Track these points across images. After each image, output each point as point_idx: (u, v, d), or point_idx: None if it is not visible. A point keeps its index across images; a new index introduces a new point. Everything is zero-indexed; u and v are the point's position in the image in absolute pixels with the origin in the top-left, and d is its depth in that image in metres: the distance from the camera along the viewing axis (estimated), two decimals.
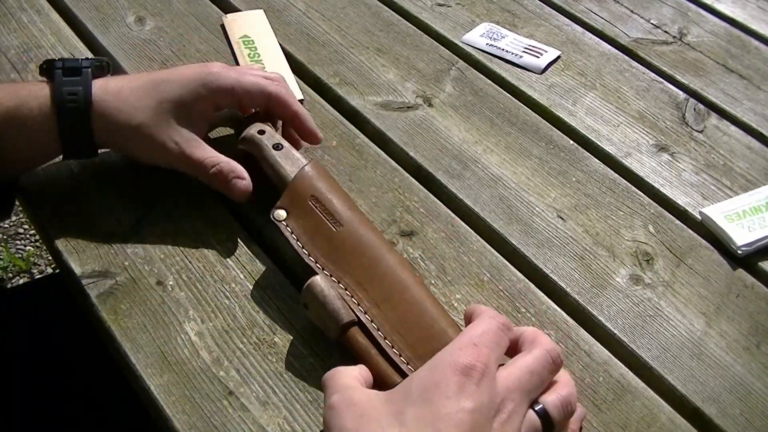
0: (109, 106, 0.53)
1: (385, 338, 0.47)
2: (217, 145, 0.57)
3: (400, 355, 0.47)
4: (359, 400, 0.40)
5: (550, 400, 0.41)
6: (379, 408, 0.39)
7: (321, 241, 0.51)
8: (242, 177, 0.55)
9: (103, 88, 0.53)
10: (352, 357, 0.48)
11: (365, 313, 0.48)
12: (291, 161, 0.56)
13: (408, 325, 0.48)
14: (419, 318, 0.48)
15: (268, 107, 0.58)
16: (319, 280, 0.49)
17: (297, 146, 0.59)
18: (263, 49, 0.72)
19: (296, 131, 0.59)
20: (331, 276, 0.50)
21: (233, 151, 0.57)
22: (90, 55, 0.69)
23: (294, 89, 0.69)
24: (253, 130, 0.57)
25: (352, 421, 0.39)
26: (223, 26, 0.75)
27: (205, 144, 0.56)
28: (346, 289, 0.49)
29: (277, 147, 0.56)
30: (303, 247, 0.51)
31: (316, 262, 0.51)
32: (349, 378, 0.43)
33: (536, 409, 0.40)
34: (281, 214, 0.53)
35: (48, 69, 0.53)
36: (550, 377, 0.42)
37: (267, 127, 0.57)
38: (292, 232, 0.52)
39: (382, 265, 0.50)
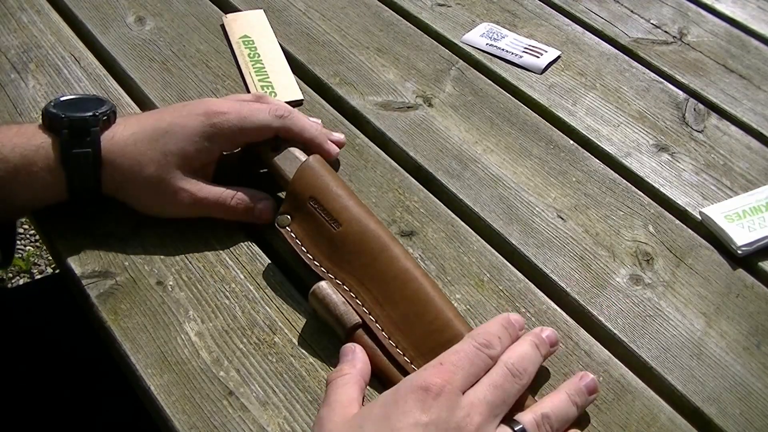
0: (117, 161, 0.52)
1: (388, 338, 0.48)
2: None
3: (404, 355, 0.47)
4: (330, 419, 0.41)
5: (527, 419, 0.42)
6: (342, 427, 0.41)
7: (323, 244, 0.52)
8: (264, 198, 0.56)
9: (110, 142, 0.52)
10: None
11: (369, 313, 0.49)
12: (289, 161, 0.55)
13: (410, 322, 0.48)
14: (421, 313, 0.48)
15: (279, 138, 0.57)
16: (324, 287, 0.49)
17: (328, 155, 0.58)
18: (263, 49, 0.72)
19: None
20: (335, 278, 0.50)
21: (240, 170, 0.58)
22: (90, 56, 0.69)
23: (294, 89, 0.69)
24: None
25: None
26: (223, 26, 0.75)
27: (213, 184, 0.55)
28: (350, 291, 0.50)
29: (276, 148, 0.56)
30: (307, 252, 0.52)
31: (320, 266, 0.51)
32: (343, 394, 0.43)
33: (516, 429, 0.41)
34: (284, 220, 0.53)
35: (52, 128, 0.52)
36: (515, 387, 0.43)
37: None
38: (296, 237, 0.52)
39: (383, 260, 0.50)
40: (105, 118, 0.53)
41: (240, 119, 0.55)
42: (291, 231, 0.53)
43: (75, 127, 0.51)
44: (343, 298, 0.49)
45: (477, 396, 0.41)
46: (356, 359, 0.46)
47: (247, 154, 0.58)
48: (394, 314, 0.48)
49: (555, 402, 0.44)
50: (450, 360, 0.42)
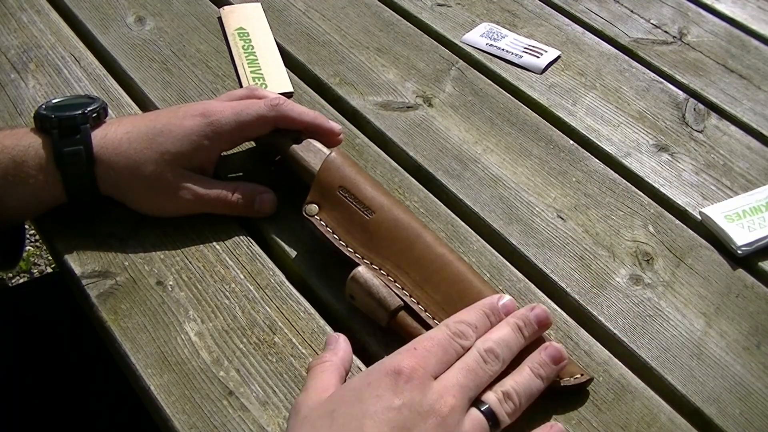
0: (112, 160, 0.52)
1: (433, 318, 0.48)
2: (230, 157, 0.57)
3: None
4: (305, 404, 0.42)
5: (491, 398, 0.43)
6: (317, 409, 0.41)
7: (356, 231, 0.52)
8: (264, 191, 0.56)
9: (103, 140, 0.52)
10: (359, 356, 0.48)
11: (410, 296, 0.49)
12: (313, 153, 0.56)
13: (453, 302, 0.49)
14: (463, 294, 0.49)
15: (277, 128, 0.57)
16: (362, 271, 0.49)
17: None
18: (257, 42, 0.72)
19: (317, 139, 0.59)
20: (372, 264, 0.50)
21: (247, 167, 0.58)
22: (90, 56, 0.69)
23: (285, 81, 0.69)
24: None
25: (295, 425, 0.41)
26: (220, 19, 0.75)
27: (213, 180, 0.56)
28: (388, 275, 0.50)
29: (297, 140, 0.57)
30: (339, 239, 0.52)
31: (355, 252, 0.51)
32: (321, 380, 0.43)
33: (482, 409, 0.42)
34: (313, 208, 0.53)
35: (43, 129, 0.52)
36: (487, 372, 0.43)
37: None
38: (326, 225, 0.52)
39: (419, 245, 0.51)
40: (95, 115, 0.53)
41: (235, 114, 0.55)
42: (321, 219, 0.53)
43: (64, 126, 0.51)
44: (383, 282, 0.49)
45: (450, 380, 0.42)
46: (338, 348, 0.46)
47: (262, 148, 0.58)
48: (436, 296, 0.49)
49: (517, 378, 0.44)
50: (423, 345, 0.43)
